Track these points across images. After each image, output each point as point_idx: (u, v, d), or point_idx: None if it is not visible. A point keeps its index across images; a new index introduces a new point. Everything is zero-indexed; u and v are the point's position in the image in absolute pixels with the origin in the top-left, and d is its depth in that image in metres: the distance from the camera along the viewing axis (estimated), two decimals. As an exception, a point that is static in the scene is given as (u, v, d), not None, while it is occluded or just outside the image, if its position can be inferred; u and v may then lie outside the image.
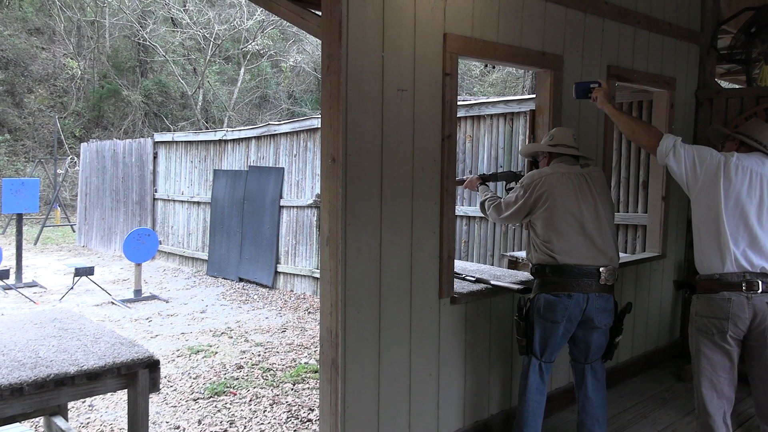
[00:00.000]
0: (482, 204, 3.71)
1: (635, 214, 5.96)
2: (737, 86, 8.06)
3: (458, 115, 6.91)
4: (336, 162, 2.89)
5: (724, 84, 8.17)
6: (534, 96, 5.56)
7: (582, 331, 3.30)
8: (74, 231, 14.67)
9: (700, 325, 3.03)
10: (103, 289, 8.72)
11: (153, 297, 8.52)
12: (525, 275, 4.04)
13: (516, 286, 3.63)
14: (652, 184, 5.21)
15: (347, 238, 2.94)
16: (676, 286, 3.87)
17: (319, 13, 2.96)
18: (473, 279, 3.78)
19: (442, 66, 3.26)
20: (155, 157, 11.83)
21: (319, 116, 9.11)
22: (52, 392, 2.33)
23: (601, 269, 3.21)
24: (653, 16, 4.71)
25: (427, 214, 3.30)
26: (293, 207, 8.78)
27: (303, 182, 8.71)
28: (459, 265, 4.20)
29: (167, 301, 8.37)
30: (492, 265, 6.75)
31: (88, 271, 8.64)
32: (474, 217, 7.19)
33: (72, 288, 8.76)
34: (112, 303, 8.20)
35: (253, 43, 20.58)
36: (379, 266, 3.09)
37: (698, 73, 5.31)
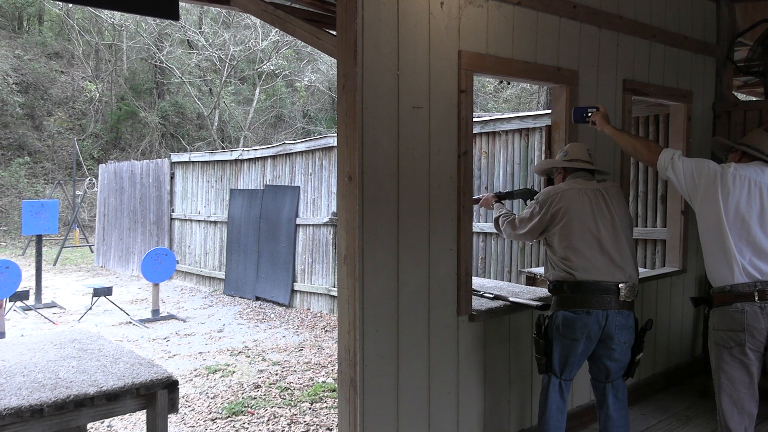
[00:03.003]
0: (496, 220, 3.68)
1: (654, 229, 5.90)
2: (755, 98, 8.00)
3: (474, 132, 6.90)
4: (353, 180, 2.89)
5: (742, 96, 8.11)
6: (549, 111, 5.54)
7: (602, 349, 3.24)
8: (93, 251, 14.79)
9: (717, 339, 2.99)
10: (121, 309, 8.77)
11: (170, 317, 8.55)
12: (544, 292, 4.00)
13: (535, 303, 3.59)
14: (670, 198, 5.16)
15: (364, 256, 2.93)
16: (694, 303, 3.81)
17: (334, 33, 2.99)
18: (491, 296, 3.75)
19: (457, 83, 3.27)
20: (172, 178, 11.94)
21: (335, 135, 9.16)
22: (72, 413, 2.33)
23: (620, 285, 3.16)
24: (668, 30, 4.69)
25: (444, 231, 3.29)
26: (309, 225, 8.80)
27: (319, 200, 8.73)
28: (477, 282, 4.17)
29: (185, 321, 8.39)
30: (510, 281, 6.70)
31: (106, 292, 8.69)
32: (491, 234, 7.15)
33: (90, 308, 8.82)
34: (130, 323, 8.23)
35: (268, 64, 20.79)
36: (396, 284, 3.08)
37: (715, 85, 5.27)
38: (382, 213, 3.00)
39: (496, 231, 3.75)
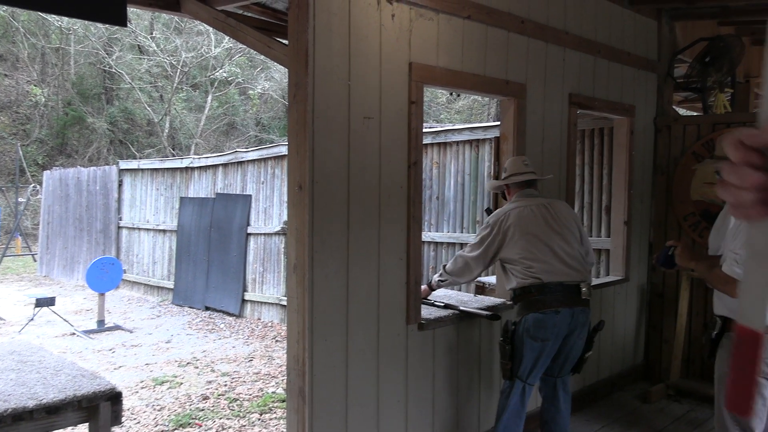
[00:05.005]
0: (446, 273, 3.63)
1: (599, 239, 6.05)
2: (694, 113, 8.31)
3: (425, 142, 6.98)
4: (303, 189, 2.90)
5: (682, 111, 8.41)
6: (498, 123, 5.65)
7: (563, 345, 3.39)
8: (35, 260, 14.33)
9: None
10: (64, 319, 8.51)
11: (117, 327, 8.34)
12: (493, 300, 4.07)
13: (485, 312, 3.66)
14: (614, 209, 5.32)
15: (314, 265, 2.93)
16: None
17: (286, 42, 2.99)
18: (442, 305, 3.79)
19: (408, 94, 3.31)
20: (120, 185, 11.67)
21: (287, 143, 9.13)
22: (10, 427, 2.26)
23: (580, 284, 3.36)
24: (612, 46, 4.85)
25: (394, 240, 3.32)
26: (261, 234, 8.72)
27: (271, 209, 8.67)
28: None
29: (131, 332, 8.20)
30: (459, 290, 6.77)
31: (49, 302, 8.42)
32: (441, 243, 7.23)
33: (32, 319, 8.53)
34: (74, 334, 8.00)
35: (220, 71, 20.58)
36: (346, 293, 3.09)
37: (656, 100, 5.47)
38: (332, 222, 3.01)
39: (450, 282, 3.67)
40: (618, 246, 5.22)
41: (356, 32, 3.05)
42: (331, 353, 3.03)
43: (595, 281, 5.08)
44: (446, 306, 3.77)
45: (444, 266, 3.67)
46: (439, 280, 3.66)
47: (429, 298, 3.85)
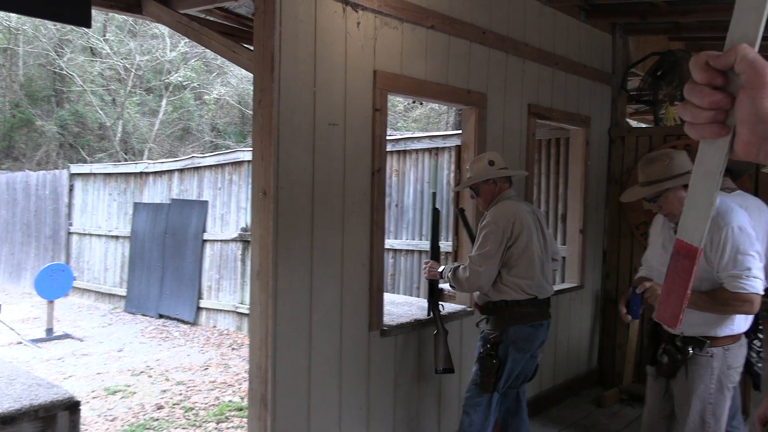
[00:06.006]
0: (455, 276, 3.35)
1: (555, 247, 6.18)
2: (644, 125, 8.56)
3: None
4: (267, 195, 2.88)
5: (633, 123, 8.66)
6: (458, 132, 5.71)
7: (532, 355, 3.41)
8: (-21, 267, 13.82)
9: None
10: (10, 328, 8.22)
11: (66, 336, 8.11)
12: (452, 306, 4.10)
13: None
14: (570, 217, 5.44)
15: (278, 271, 2.92)
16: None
17: (251, 48, 2.98)
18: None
19: (373, 102, 3.33)
20: (71, 190, 11.36)
21: (245, 149, 9.05)
22: (-39, 439, 2.18)
23: (550, 297, 3.42)
24: (570, 58, 4.97)
25: (358, 247, 3.32)
26: (217, 241, 8.61)
27: (228, 216, 8.57)
28: (388, 298, 4.22)
29: (81, 340, 7.98)
30: (419, 297, 6.81)
31: (-6, 310, 8.13)
32: (400, 250, 7.26)
33: (-24, 328, 8.23)
34: (21, 343, 7.74)
35: (175, 75, 20.26)
36: (309, 300, 3.08)
37: (611, 112, 5.62)
38: (296, 229, 3.00)
39: (455, 288, 3.45)
40: (574, 253, 5.33)
41: (322, 39, 3.06)
42: (295, 360, 3.02)
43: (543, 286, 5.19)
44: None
45: (456, 266, 3.38)
46: (450, 272, 3.39)
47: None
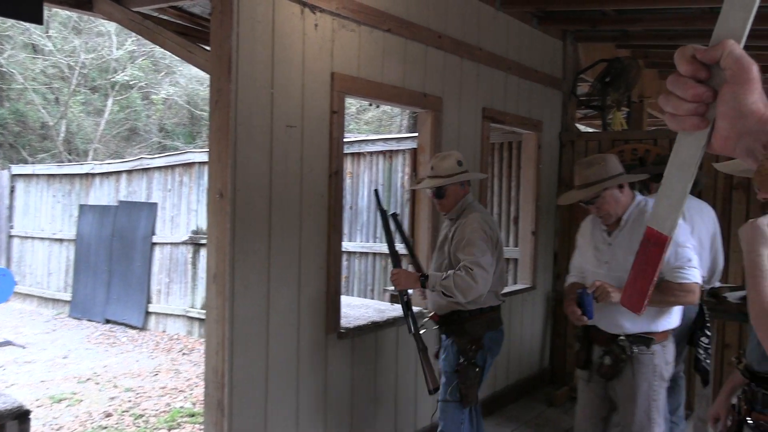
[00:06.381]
0: (454, 285, 3.01)
1: (507, 248, 6.27)
2: (593, 130, 8.78)
3: (339, 152, 7.00)
4: (224, 197, 2.85)
5: (582, 128, 8.87)
6: (413, 135, 5.75)
7: None
8: None
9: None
10: (-52, 335, 7.90)
11: (7, 343, 7.80)
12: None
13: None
14: (522, 219, 5.53)
15: (235, 274, 2.88)
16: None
17: (208, 48, 2.94)
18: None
19: (330, 104, 3.32)
20: (12, 191, 10.96)
21: (195, 150, 8.90)
22: None
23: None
24: (522, 63, 5.06)
25: (315, 250, 3.31)
26: (167, 244, 8.43)
27: (178, 218, 8.41)
28: (344, 301, 4.21)
29: (24, 347, 7.69)
30: (373, 299, 6.82)
31: (-70, 316, 7.79)
32: (354, 253, 7.26)
33: None
34: (-41, 351, 7.43)
35: (122, 74, 19.78)
36: (267, 303, 3.05)
37: (561, 117, 5.74)
38: (253, 231, 2.97)
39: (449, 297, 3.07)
40: (526, 255, 5.42)
41: (280, 40, 3.04)
42: (252, 364, 2.99)
43: (504, 289, 5.27)
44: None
45: (450, 275, 3.03)
46: (440, 285, 3.05)
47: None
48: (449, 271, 3.05)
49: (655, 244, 0.75)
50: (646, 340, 2.87)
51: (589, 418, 3.09)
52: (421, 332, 3.21)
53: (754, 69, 0.67)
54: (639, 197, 2.95)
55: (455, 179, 3.15)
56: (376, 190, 3.42)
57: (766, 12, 4.40)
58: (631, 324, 2.86)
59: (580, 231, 3.19)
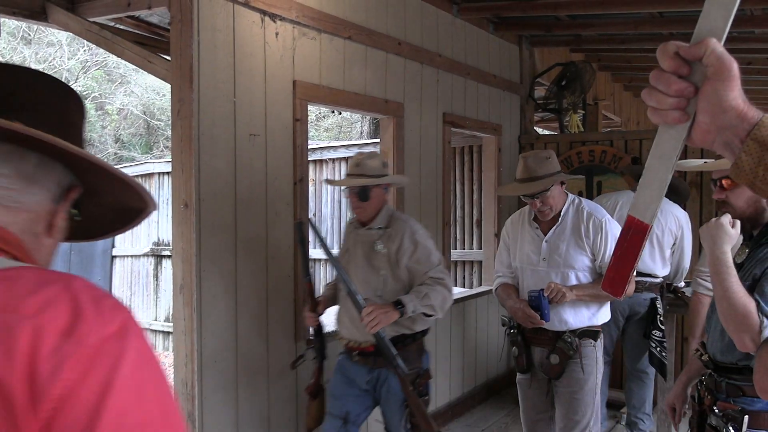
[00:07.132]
0: (431, 309, 2.79)
1: (471, 251, 6.35)
2: (550, 132, 8.94)
3: (301, 160, 7.00)
4: (189, 207, 2.83)
5: (540, 131, 9.03)
6: (375, 140, 5.78)
7: None
8: None
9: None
10: None
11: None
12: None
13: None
14: (485, 222, 5.60)
15: (202, 285, 2.87)
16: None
17: (168, 58, 2.92)
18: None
19: (293, 112, 3.33)
20: (-38, 207, 10.64)
21: (155, 161, 8.76)
22: None
23: None
24: (480, 69, 5.14)
25: (282, 258, 3.31)
26: (128, 256, 8.30)
27: (138, 229, 8.27)
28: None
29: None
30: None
31: None
32: (318, 260, 7.24)
33: None
34: None
35: (74, 84, 19.38)
36: (235, 313, 3.04)
37: (520, 120, 5.84)
38: (220, 240, 2.96)
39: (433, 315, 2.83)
40: (489, 257, 5.49)
41: (241, 49, 3.04)
42: (221, 375, 2.97)
43: (468, 292, 5.33)
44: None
45: (428, 297, 2.76)
46: (422, 307, 2.77)
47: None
48: (421, 289, 2.76)
49: (636, 231, 0.80)
50: (593, 333, 2.96)
51: (535, 420, 3.15)
52: (298, 365, 3.03)
53: (735, 67, 0.71)
54: (571, 195, 3.04)
55: (383, 180, 2.83)
56: (299, 222, 3.09)
57: (742, 15, 4.56)
58: (574, 319, 2.94)
59: (506, 229, 3.21)
